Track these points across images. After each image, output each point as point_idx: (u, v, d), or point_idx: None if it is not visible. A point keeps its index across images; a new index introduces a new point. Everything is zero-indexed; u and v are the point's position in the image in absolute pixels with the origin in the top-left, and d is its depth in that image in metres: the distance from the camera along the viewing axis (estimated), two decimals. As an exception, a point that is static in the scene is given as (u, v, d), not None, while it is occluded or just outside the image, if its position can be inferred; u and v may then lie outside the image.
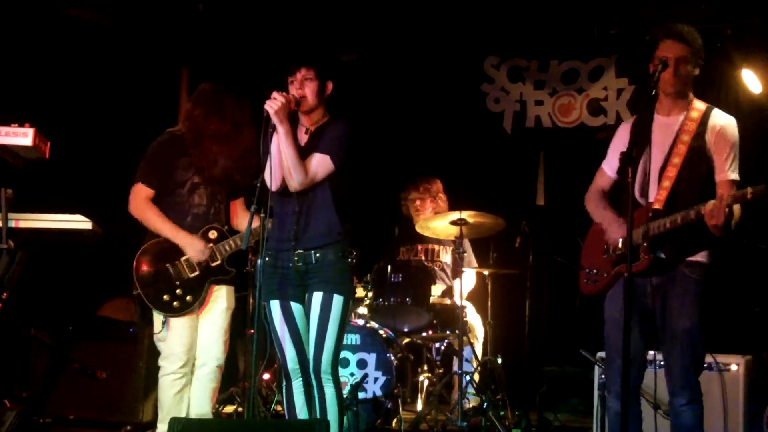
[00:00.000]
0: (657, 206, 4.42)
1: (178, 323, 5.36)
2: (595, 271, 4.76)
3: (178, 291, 5.33)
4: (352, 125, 4.87)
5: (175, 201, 5.43)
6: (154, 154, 5.47)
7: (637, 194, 4.53)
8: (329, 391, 4.73)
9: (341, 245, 4.79)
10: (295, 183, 4.73)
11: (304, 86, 4.79)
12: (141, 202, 5.38)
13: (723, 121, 4.53)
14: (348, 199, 4.86)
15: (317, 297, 4.73)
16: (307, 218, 4.78)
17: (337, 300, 4.73)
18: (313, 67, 4.81)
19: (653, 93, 4.49)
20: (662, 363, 4.70)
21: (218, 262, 5.40)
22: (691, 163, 4.45)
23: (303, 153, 4.77)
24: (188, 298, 5.34)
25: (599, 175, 4.92)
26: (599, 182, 4.91)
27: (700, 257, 4.48)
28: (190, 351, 5.40)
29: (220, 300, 5.49)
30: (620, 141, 4.78)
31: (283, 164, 4.72)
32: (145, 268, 5.35)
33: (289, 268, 4.79)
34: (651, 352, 4.81)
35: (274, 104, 4.61)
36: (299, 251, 4.77)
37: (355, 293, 4.67)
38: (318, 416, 4.69)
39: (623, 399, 4.20)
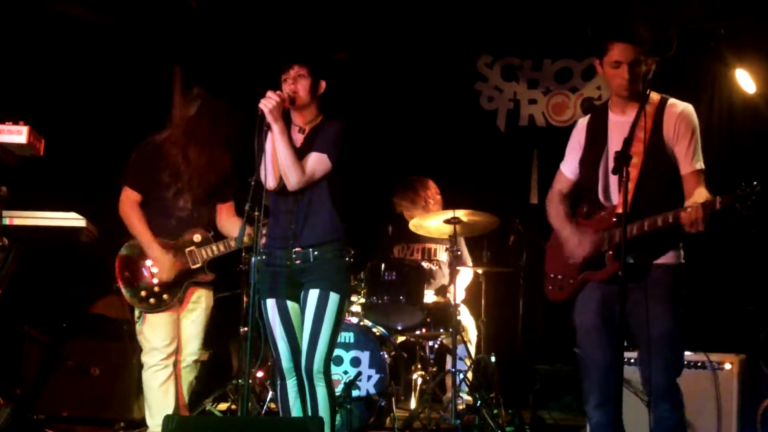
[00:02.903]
0: (621, 210, 4.17)
1: (155, 318, 5.42)
2: (560, 276, 4.65)
3: (155, 288, 5.39)
4: (346, 124, 4.88)
5: (160, 204, 5.49)
6: (138, 158, 5.53)
7: (600, 197, 4.47)
8: (321, 390, 4.72)
9: (339, 243, 4.80)
10: (292, 182, 4.72)
11: (297, 83, 4.80)
12: (126, 205, 5.46)
13: (678, 109, 4.36)
14: (344, 197, 4.87)
15: (313, 294, 4.73)
16: (306, 216, 4.78)
17: (334, 297, 4.73)
18: (306, 64, 4.82)
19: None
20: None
21: (198, 266, 5.45)
22: (651, 161, 4.29)
23: (299, 152, 4.77)
24: (165, 296, 5.40)
25: (558, 177, 4.82)
26: (557, 185, 4.80)
27: (670, 258, 4.36)
28: (171, 345, 5.45)
29: (202, 300, 5.57)
30: (576, 141, 4.70)
31: (279, 163, 4.72)
32: (126, 263, 5.42)
33: (285, 267, 4.79)
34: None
35: (268, 103, 4.61)
36: (297, 249, 4.77)
37: (352, 293, 4.66)
38: (320, 416, 4.67)
39: (616, 405, 4.12)
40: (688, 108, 4.40)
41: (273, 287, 4.82)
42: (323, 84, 4.90)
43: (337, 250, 4.79)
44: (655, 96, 4.41)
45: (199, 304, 5.55)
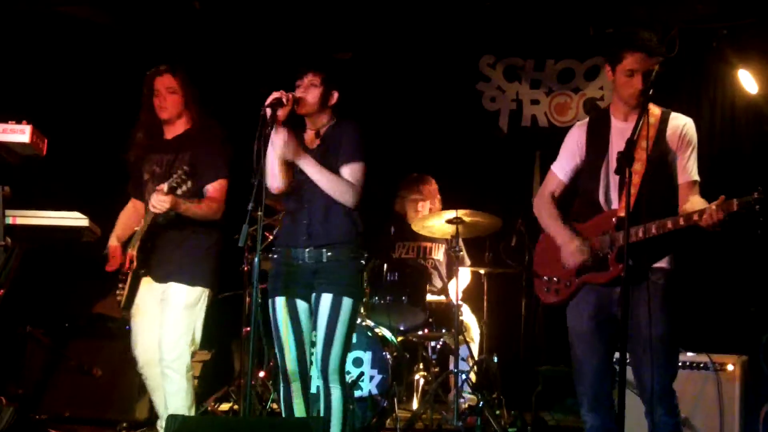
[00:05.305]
0: (622, 214, 4.22)
1: (133, 324, 5.43)
2: (555, 279, 4.62)
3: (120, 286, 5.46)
4: (361, 126, 4.85)
5: (143, 201, 5.50)
6: (131, 168, 5.59)
7: (601, 200, 4.48)
8: (335, 392, 4.70)
9: (352, 246, 4.77)
10: (272, 186, 4.77)
11: (309, 91, 4.78)
12: (124, 209, 5.61)
13: (683, 121, 4.46)
14: (362, 200, 4.83)
15: (326, 299, 4.70)
16: (323, 216, 4.76)
17: (347, 302, 4.69)
18: (321, 73, 4.79)
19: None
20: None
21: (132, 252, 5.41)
22: (654, 169, 4.34)
23: (315, 154, 4.78)
24: (118, 291, 5.41)
25: (550, 178, 4.76)
26: (550, 186, 4.74)
27: (664, 263, 4.40)
28: (146, 353, 5.36)
29: (167, 296, 5.31)
30: (573, 143, 4.68)
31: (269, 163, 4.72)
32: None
33: (298, 266, 4.77)
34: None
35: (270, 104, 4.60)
36: (311, 249, 4.75)
37: (365, 296, 4.58)
38: (322, 416, 4.67)
39: (619, 407, 4.09)
40: (690, 122, 4.49)
41: (284, 286, 4.79)
42: (335, 94, 4.86)
43: (351, 253, 4.76)
44: (656, 109, 4.48)
45: (162, 300, 5.30)
